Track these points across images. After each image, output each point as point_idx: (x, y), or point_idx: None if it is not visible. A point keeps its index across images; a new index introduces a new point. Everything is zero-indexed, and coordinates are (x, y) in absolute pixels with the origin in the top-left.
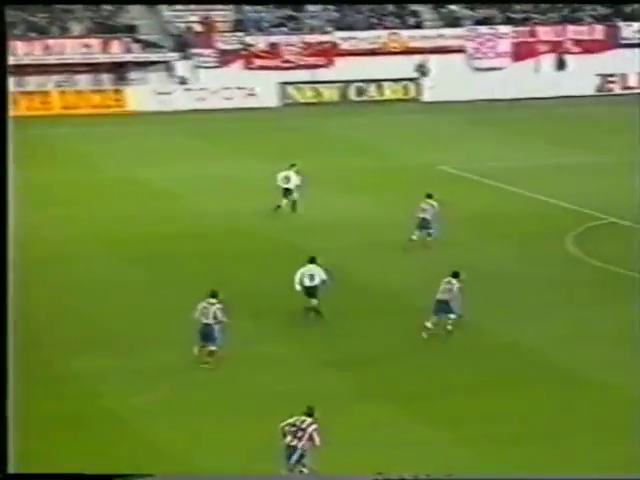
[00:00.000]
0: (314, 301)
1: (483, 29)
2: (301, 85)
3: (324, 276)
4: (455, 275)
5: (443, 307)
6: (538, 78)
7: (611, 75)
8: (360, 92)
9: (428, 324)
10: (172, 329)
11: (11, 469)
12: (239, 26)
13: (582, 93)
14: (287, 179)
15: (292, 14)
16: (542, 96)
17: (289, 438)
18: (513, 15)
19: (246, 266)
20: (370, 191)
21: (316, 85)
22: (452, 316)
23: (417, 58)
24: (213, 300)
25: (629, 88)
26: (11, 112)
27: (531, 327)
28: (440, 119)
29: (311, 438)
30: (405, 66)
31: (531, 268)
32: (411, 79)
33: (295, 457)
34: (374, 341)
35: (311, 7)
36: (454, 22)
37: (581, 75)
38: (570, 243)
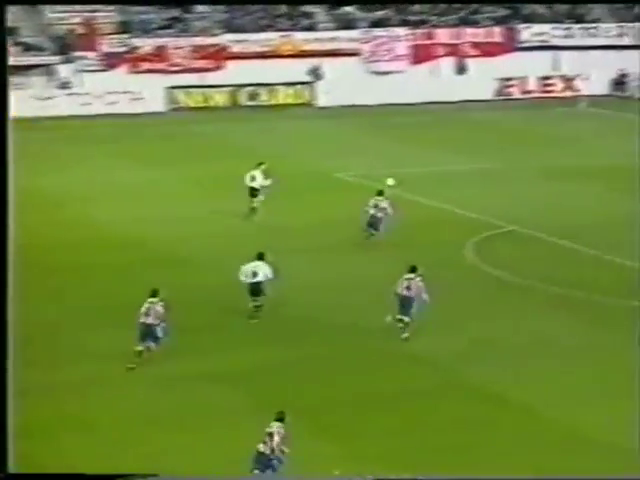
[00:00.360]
0: (254, 298)
1: (379, 31)
2: (190, 89)
3: (269, 274)
4: (413, 270)
5: (405, 304)
6: (436, 82)
7: (510, 79)
8: (252, 97)
9: (388, 318)
10: None
11: (11, 469)
12: (124, 28)
13: (481, 97)
14: (252, 178)
15: (179, 16)
16: (441, 100)
17: (262, 447)
18: (410, 17)
19: (132, 277)
20: (264, 200)
21: (205, 89)
22: (406, 318)
23: (311, 61)
24: (154, 299)
25: (528, 92)
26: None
27: (428, 336)
28: (336, 124)
29: (283, 443)
30: (298, 70)
31: (429, 277)
32: (305, 83)
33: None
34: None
35: (200, 8)
36: (349, 24)
37: (479, 79)
38: (469, 251)
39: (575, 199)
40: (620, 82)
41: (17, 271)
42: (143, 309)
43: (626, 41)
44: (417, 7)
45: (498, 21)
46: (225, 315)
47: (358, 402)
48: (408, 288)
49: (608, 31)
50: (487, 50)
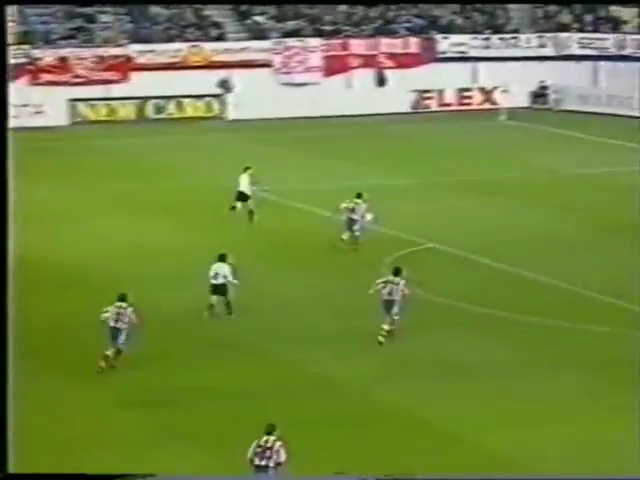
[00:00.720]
0: (214, 298)
1: (291, 42)
2: (94, 102)
3: (229, 276)
4: (397, 273)
5: (389, 307)
6: (351, 94)
7: (427, 91)
8: (159, 109)
9: (385, 326)
10: None
11: (11, 469)
12: (25, 38)
13: (397, 110)
14: (239, 183)
15: (83, 25)
16: (356, 113)
17: (257, 460)
18: (323, 27)
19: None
20: (170, 216)
21: (110, 102)
22: (386, 325)
23: (220, 73)
24: (122, 304)
25: (446, 105)
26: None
27: (344, 359)
28: (246, 138)
29: (278, 455)
30: (208, 81)
31: (345, 299)
32: (214, 95)
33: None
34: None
35: (104, 17)
36: (260, 34)
37: (396, 91)
38: (386, 270)
39: (494, 214)
40: (540, 94)
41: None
42: (110, 314)
43: (546, 52)
44: (330, 17)
45: (415, 31)
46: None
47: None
48: (390, 292)
49: (528, 42)
50: (404, 61)
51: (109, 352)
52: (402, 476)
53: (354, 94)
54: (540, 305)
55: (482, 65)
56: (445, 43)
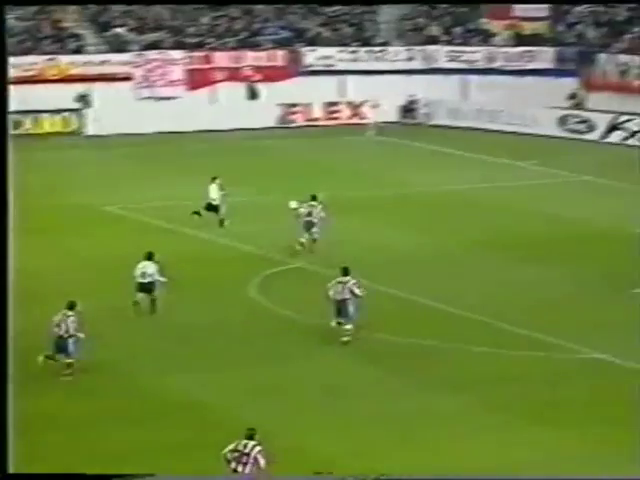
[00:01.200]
0: (140, 296)
1: (152, 54)
2: None
3: (156, 274)
4: (346, 273)
5: (341, 308)
6: (216, 108)
7: (294, 105)
8: (14, 125)
9: (332, 323)
10: None
11: (11, 469)
12: None
13: (263, 125)
14: (210, 193)
15: None
16: (221, 128)
17: (234, 464)
18: (186, 39)
19: None
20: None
21: None
22: (348, 325)
23: (79, 87)
24: (69, 312)
25: (313, 119)
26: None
27: (206, 384)
28: (106, 155)
29: (256, 461)
30: (65, 96)
31: (210, 317)
32: (72, 110)
33: None
34: None
35: None
36: (120, 47)
37: (262, 105)
38: (253, 290)
39: (362, 232)
40: (410, 109)
41: None
42: (56, 321)
43: (415, 65)
44: (193, 29)
45: (281, 44)
46: None
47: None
48: (341, 292)
49: (396, 55)
50: (270, 74)
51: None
52: (402, 476)
53: (219, 108)
54: (412, 325)
55: (350, 78)
56: (311, 56)
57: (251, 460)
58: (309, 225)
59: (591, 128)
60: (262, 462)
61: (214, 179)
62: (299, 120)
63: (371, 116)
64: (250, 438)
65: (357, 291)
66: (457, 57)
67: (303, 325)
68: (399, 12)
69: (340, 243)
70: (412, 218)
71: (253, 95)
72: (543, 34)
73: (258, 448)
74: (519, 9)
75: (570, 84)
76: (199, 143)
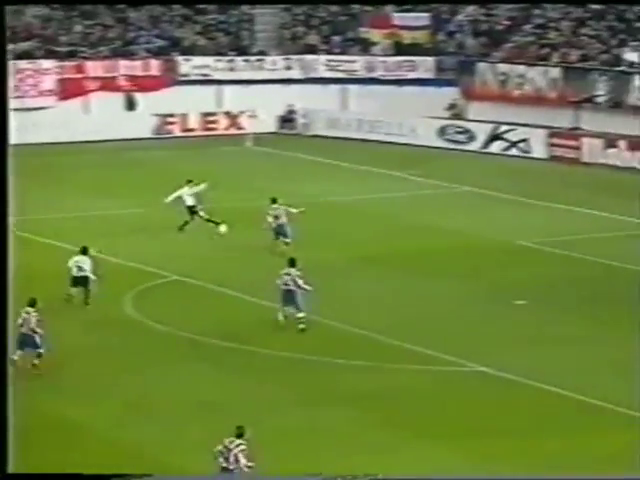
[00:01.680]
0: (74, 290)
1: (23, 64)
2: None
3: (88, 270)
4: (292, 264)
5: (289, 297)
6: (89, 119)
7: (170, 115)
8: None
9: (280, 317)
10: None
11: (11, 469)
12: None
13: (139, 135)
14: (187, 198)
15: None
16: (94, 139)
17: (220, 460)
18: (58, 48)
19: None
20: None
21: None
22: (299, 314)
23: None
24: (30, 309)
25: (190, 130)
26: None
27: (81, 405)
28: None
29: (236, 459)
30: None
31: (87, 337)
32: None
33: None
34: None
35: None
36: None
37: (138, 115)
38: (128, 306)
39: (241, 244)
40: (288, 119)
41: None
42: (19, 320)
43: (293, 75)
44: (66, 38)
45: (155, 53)
46: None
47: None
48: (287, 283)
49: (274, 64)
50: (145, 84)
51: (15, 357)
52: (402, 476)
53: (92, 119)
54: (289, 339)
55: (227, 88)
56: (187, 65)
57: (232, 457)
58: (280, 229)
59: (471, 138)
60: (243, 461)
61: (188, 182)
62: (176, 131)
63: (249, 126)
64: (239, 436)
65: (300, 282)
66: (336, 66)
67: (178, 338)
68: (277, 20)
69: (218, 255)
70: (291, 230)
71: (131, 105)
72: (423, 43)
73: (241, 447)
74: (398, 18)
75: (450, 94)
76: (72, 155)
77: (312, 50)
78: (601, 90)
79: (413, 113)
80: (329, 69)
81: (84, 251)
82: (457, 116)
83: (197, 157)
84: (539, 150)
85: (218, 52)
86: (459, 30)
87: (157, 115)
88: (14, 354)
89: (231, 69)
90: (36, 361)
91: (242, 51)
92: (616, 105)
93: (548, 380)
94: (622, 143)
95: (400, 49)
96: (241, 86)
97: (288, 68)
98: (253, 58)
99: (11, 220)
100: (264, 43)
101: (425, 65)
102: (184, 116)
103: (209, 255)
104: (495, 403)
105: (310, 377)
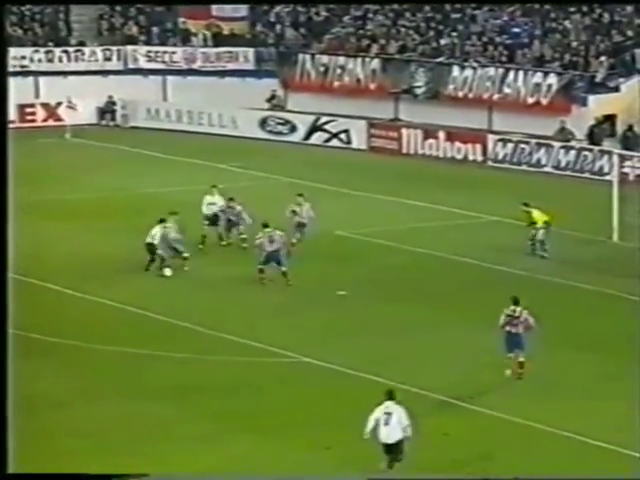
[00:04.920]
0: None
1: None
2: None
3: None
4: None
5: (274, 256)
6: None
7: None
8: None
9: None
10: None
11: (11, 469)
12: None
13: None
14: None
15: None
16: None
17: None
18: None
19: None
20: None
21: None
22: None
23: None
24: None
25: (9, 122)
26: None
27: None
28: None
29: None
30: None
31: None
32: None
33: None
34: None
35: None
36: None
37: None
38: None
39: (65, 239)
40: (108, 110)
41: None
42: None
43: (113, 65)
44: None
45: None
46: None
47: None
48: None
49: (93, 55)
50: None
51: None
52: (402, 476)
53: None
54: (118, 333)
55: (45, 80)
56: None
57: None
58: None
59: (293, 129)
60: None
61: (213, 187)
62: None
63: (68, 118)
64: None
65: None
66: (155, 57)
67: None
68: (94, 12)
69: (42, 251)
70: (115, 223)
71: None
72: (242, 34)
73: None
74: (217, 9)
75: (271, 85)
76: None
77: (132, 41)
78: (420, 81)
79: (234, 104)
80: (149, 60)
81: None
82: (278, 107)
83: (15, 150)
84: (359, 141)
85: (35, 43)
86: (278, 21)
87: None
88: None
89: (49, 60)
90: None
91: (60, 42)
92: (434, 96)
93: (370, 370)
94: (441, 134)
95: (220, 40)
96: (60, 77)
97: (108, 59)
98: (72, 49)
99: None
100: (82, 34)
101: (245, 56)
102: None
103: (27, 251)
104: (319, 393)
105: (134, 371)
